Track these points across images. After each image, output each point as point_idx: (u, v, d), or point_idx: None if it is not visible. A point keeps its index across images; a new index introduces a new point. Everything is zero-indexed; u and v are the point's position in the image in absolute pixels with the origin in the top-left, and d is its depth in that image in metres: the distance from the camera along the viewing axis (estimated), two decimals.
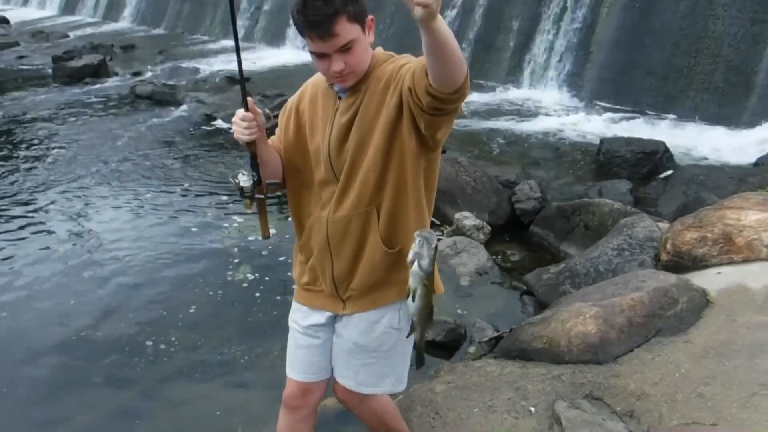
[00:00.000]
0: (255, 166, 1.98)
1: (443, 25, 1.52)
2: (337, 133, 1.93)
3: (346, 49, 1.79)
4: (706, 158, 7.01)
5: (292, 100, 2.12)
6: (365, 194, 1.92)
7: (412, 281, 1.74)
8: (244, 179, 1.98)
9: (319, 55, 1.82)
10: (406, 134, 1.84)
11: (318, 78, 2.05)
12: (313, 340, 2.20)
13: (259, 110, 1.95)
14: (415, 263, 1.70)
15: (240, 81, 2.00)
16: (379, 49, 1.96)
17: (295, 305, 2.26)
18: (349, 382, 2.18)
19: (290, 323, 2.28)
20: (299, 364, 2.24)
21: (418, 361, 2.07)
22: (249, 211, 2.09)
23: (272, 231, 2.20)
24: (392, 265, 1.99)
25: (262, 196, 2.02)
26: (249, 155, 1.98)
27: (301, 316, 2.22)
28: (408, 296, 1.78)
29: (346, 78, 1.85)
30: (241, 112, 1.93)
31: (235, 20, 1.98)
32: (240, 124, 1.93)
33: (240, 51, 1.96)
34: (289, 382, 2.27)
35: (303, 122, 2.06)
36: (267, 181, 2.03)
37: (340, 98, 1.95)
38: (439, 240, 1.68)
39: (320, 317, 2.17)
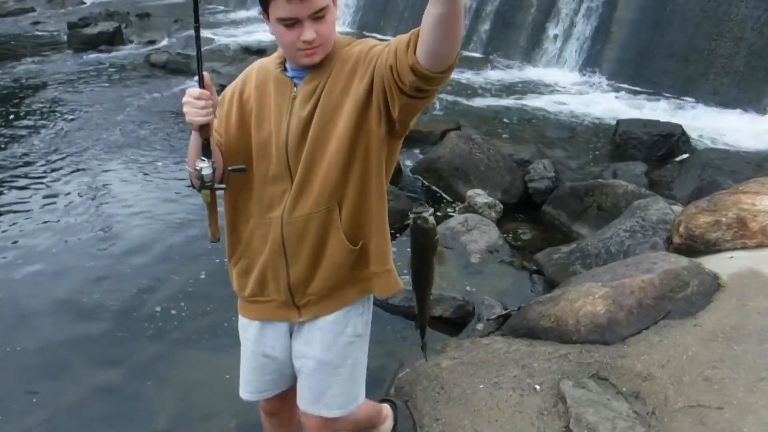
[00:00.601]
0: (210, 152, 1.71)
1: None
2: (298, 124, 1.73)
3: (319, 16, 1.63)
4: (723, 142, 6.91)
5: (232, 87, 1.89)
6: (326, 190, 1.75)
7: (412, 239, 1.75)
8: (205, 166, 1.70)
9: (288, 23, 1.64)
10: (374, 121, 1.69)
11: (264, 63, 1.87)
12: (267, 360, 2.01)
13: (214, 88, 1.70)
14: (412, 222, 1.70)
15: (198, 55, 1.72)
16: (336, 33, 1.78)
17: (242, 321, 2.05)
18: (317, 409, 1.98)
19: (241, 339, 2.08)
20: (253, 385, 2.08)
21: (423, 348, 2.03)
22: (208, 203, 1.80)
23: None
24: (355, 263, 1.85)
25: (223, 186, 1.77)
26: (202, 141, 1.70)
27: (251, 333, 2.02)
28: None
29: (315, 51, 1.68)
30: (195, 90, 1.67)
31: None
32: (195, 104, 1.65)
33: (199, 27, 1.72)
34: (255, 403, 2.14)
35: (248, 111, 1.83)
36: (230, 168, 1.78)
37: (296, 85, 1.76)
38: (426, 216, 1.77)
39: (273, 331, 1.98)
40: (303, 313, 1.91)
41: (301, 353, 1.96)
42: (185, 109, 1.66)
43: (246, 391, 2.09)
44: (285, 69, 1.79)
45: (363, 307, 1.95)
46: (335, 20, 1.70)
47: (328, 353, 1.92)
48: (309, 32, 1.63)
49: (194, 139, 1.74)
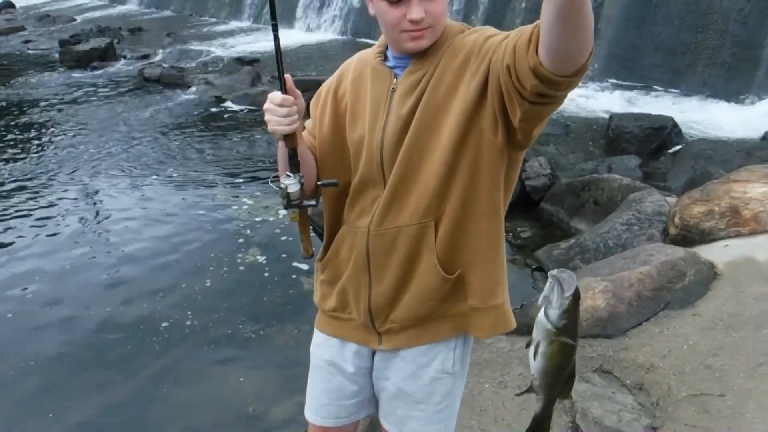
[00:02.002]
0: (296, 165, 1.50)
1: None
2: (396, 122, 1.48)
3: None
4: (714, 133, 7.00)
5: (327, 84, 1.67)
6: (422, 203, 1.48)
7: (535, 332, 1.29)
8: (291, 183, 1.49)
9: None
10: (488, 128, 1.41)
11: (363, 54, 1.63)
12: (344, 381, 1.73)
13: (299, 91, 1.49)
14: (542, 310, 1.27)
15: (277, 56, 1.50)
16: (448, 19, 1.52)
17: (317, 336, 1.79)
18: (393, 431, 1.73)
19: (312, 358, 1.81)
20: (325, 410, 1.77)
21: None
22: (294, 222, 1.61)
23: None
24: (449, 295, 1.55)
25: (313, 203, 1.57)
26: (288, 152, 1.49)
27: (326, 350, 1.75)
28: (528, 348, 1.32)
29: (423, 34, 1.43)
30: (278, 95, 1.45)
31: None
32: (277, 111, 1.45)
33: (278, 26, 1.51)
34: (311, 427, 1.82)
35: (342, 109, 1.61)
36: (320, 182, 1.59)
37: (396, 77, 1.51)
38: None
39: (353, 351, 1.71)
40: (384, 340, 1.64)
41: (382, 375, 1.70)
42: (267, 117, 1.46)
43: (319, 416, 1.78)
44: (385, 58, 1.55)
45: (456, 342, 1.64)
46: (446, 4, 1.46)
47: (408, 384, 1.65)
48: (417, 10, 1.39)
49: (281, 149, 1.54)
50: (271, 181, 1.57)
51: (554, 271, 1.26)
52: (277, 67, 1.48)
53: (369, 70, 1.56)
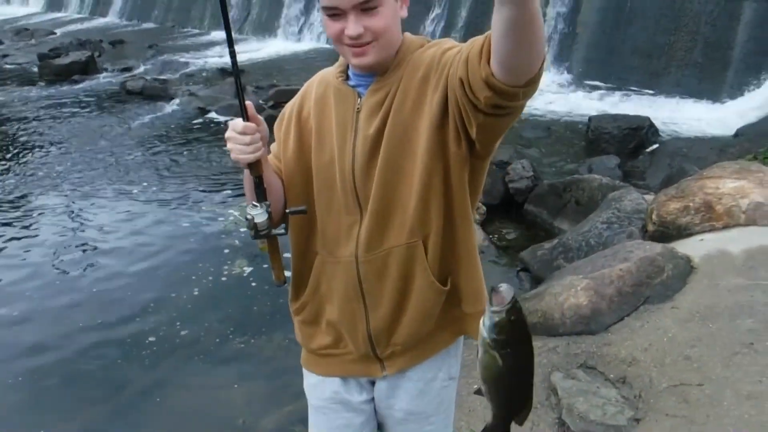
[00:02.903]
0: (262, 193, 1.44)
1: None
2: (364, 143, 1.44)
3: (368, 8, 1.34)
4: (688, 132, 7.18)
5: (290, 105, 1.60)
6: (406, 223, 1.45)
7: (479, 340, 1.25)
8: (258, 213, 1.43)
9: (331, 13, 1.36)
10: (453, 141, 1.39)
11: (325, 74, 1.56)
12: (351, 416, 1.66)
13: (261, 118, 1.43)
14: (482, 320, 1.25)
15: (236, 81, 1.46)
16: (408, 34, 1.49)
17: (310, 377, 1.71)
18: None
19: (310, 399, 1.73)
20: None
21: None
22: (264, 251, 1.52)
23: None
24: (445, 305, 1.54)
25: (281, 231, 1.51)
26: (253, 179, 1.43)
27: (324, 390, 1.67)
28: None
29: (365, 50, 1.37)
30: (239, 122, 1.39)
31: (227, 12, 1.48)
32: (239, 140, 1.39)
33: (233, 45, 1.45)
34: None
35: (307, 132, 1.53)
36: (288, 210, 1.52)
37: (360, 96, 1.46)
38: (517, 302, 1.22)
39: (354, 384, 1.65)
40: (387, 366, 1.59)
41: (385, 405, 1.64)
42: (229, 145, 1.40)
43: None
44: (348, 78, 1.50)
45: (455, 346, 1.64)
46: (396, 16, 1.40)
47: (417, 403, 1.61)
48: (352, 26, 1.34)
49: (246, 177, 1.47)
50: (239, 215, 1.50)
51: (495, 286, 1.22)
52: (237, 93, 1.43)
53: (332, 91, 1.51)
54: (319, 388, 1.69)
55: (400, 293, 1.50)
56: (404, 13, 1.42)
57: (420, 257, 1.47)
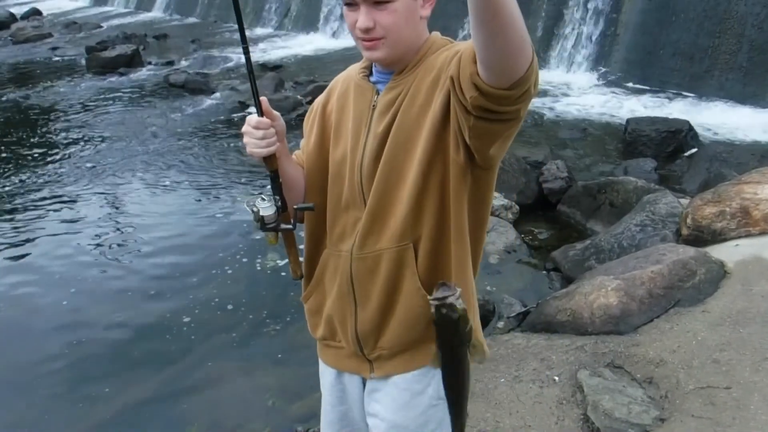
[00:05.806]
0: (277, 187, 1.49)
1: None
2: (373, 141, 1.45)
3: (380, 1, 1.34)
4: (729, 136, 7.03)
5: (319, 99, 1.64)
6: (399, 226, 1.45)
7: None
8: (265, 206, 1.49)
9: (347, 2, 1.38)
10: (452, 146, 1.37)
11: (351, 70, 1.60)
12: (343, 414, 1.72)
13: (277, 113, 1.48)
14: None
15: (250, 78, 1.48)
16: (436, 34, 1.47)
17: (320, 365, 1.77)
18: None
19: (321, 381, 1.81)
20: None
21: None
22: (273, 245, 1.57)
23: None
24: None
25: (290, 227, 1.54)
26: (269, 174, 1.49)
27: (326, 378, 1.73)
28: None
29: (375, 45, 1.38)
30: (253, 117, 1.45)
31: (239, 9, 1.49)
32: (253, 134, 1.43)
33: (247, 44, 1.49)
34: None
35: (329, 126, 1.57)
36: (296, 206, 1.54)
37: (378, 93, 1.47)
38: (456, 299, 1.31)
39: (348, 379, 1.68)
40: (375, 368, 1.59)
41: (372, 410, 1.64)
42: (245, 139, 1.46)
43: None
44: (370, 74, 1.51)
45: None
46: (413, 16, 1.38)
47: (401, 415, 1.58)
48: (363, 19, 1.35)
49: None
50: (247, 205, 1.55)
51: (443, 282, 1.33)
52: (251, 90, 1.47)
53: (353, 86, 1.53)
54: (323, 375, 1.75)
55: (387, 295, 1.50)
56: (426, 12, 1.41)
57: (410, 262, 1.46)
